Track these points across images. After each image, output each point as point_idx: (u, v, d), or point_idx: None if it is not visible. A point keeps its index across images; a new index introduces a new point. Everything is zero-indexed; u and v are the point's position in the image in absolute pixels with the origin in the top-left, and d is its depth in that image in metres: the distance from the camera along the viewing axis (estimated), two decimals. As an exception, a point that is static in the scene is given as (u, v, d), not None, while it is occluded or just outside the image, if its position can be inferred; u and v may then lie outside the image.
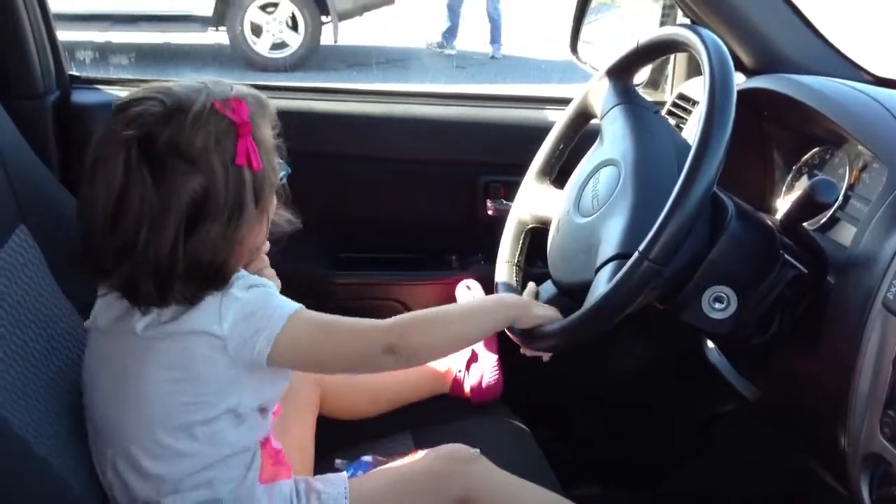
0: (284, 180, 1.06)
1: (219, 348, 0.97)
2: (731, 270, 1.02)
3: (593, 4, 1.62)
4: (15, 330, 1.00)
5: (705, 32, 1.03)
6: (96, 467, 1.04)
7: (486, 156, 1.62)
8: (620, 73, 1.22)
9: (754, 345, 1.08)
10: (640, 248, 0.94)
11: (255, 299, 0.98)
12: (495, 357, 1.42)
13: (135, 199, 0.92)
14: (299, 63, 6.12)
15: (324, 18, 6.27)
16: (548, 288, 1.18)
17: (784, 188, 1.30)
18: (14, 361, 0.98)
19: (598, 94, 1.24)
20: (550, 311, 1.10)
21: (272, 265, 1.13)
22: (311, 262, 1.61)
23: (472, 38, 6.85)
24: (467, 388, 1.41)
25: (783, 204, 1.29)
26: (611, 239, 1.04)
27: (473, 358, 1.42)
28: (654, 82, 1.67)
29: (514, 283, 1.26)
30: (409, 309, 1.60)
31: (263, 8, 6.15)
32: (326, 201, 1.56)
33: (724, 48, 1.01)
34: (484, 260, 1.64)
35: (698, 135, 0.95)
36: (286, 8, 6.17)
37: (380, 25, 6.90)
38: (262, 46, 6.17)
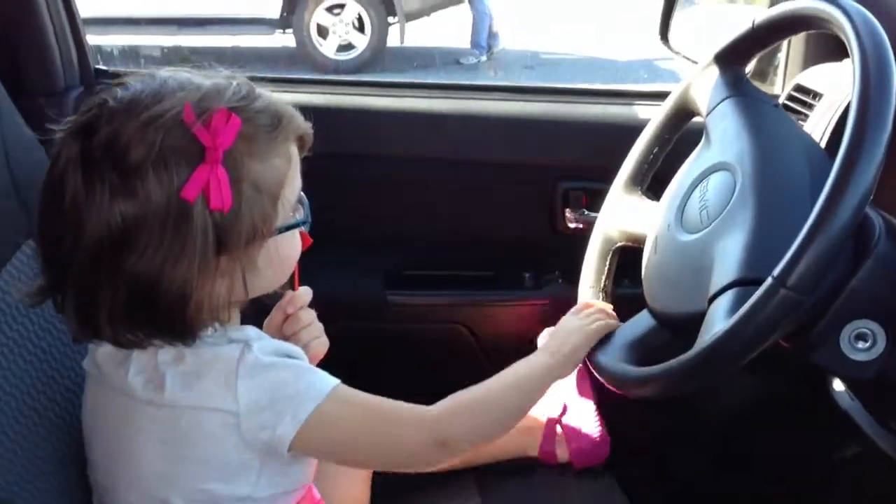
0: (302, 230, 0.86)
1: (230, 426, 0.79)
2: (880, 302, 0.83)
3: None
4: (15, 359, 0.88)
5: (850, 4, 0.82)
6: None
7: (566, 159, 1.42)
8: (732, 59, 1.02)
9: (906, 393, 0.88)
10: (776, 272, 0.74)
11: (282, 371, 0.80)
12: (592, 406, 1.20)
13: (65, 207, 0.75)
14: (365, 65, 6.04)
15: (390, 19, 6.20)
16: (643, 320, 0.98)
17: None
18: (11, 398, 0.85)
19: (703, 86, 1.04)
20: (600, 320, 1.00)
21: (306, 280, 0.96)
22: (358, 279, 1.44)
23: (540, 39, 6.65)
24: (562, 455, 1.19)
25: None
26: (729, 261, 0.85)
27: (563, 411, 1.21)
28: (762, 72, 1.44)
29: (601, 312, 1.06)
30: (474, 334, 1.44)
31: (330, 9, 6.10)
32: (376, 209, 1.39)
33: (878, 24, 0.80)
34: (562, 279, 1.45)
35: (849, 134, 0.75)
36: (353, 9, 6.12)
37: (448, 26, 6.76)
38: (328, 48, 6.13)
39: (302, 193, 0.85)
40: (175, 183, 0.73)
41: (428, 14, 6.46)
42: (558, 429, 1.19)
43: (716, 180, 0.95)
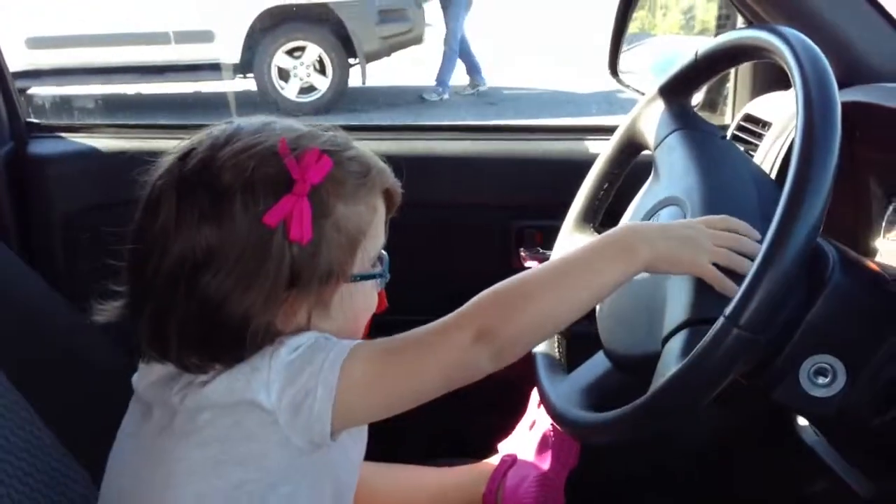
0: (379, 286, 0.86)
1: (269, 423, 0.76)
2: (837, 335, 0.80)
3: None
4: None
5: (791, 32, 0.81)
6: None
7: (518, 197, 1.40)
8: (677, 91, 1.01)
9: (869, 429, 0.85)
10: (727, 310, 0.72)
11: (302, 354, 0.77)
12: (539, 470, 1.05)
13: (156, 228, 0.77)
14: (328, 106, 6.04)
15: (351, 60, 6.23)
16: (599, 362, 0.95)
17: (884, 224, 1.06)
18: None
19: (650, 119, 1.02)
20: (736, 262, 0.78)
21: None
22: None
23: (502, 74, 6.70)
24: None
25: (884, 244, 1.05)
26: (680, 299, 0.82)
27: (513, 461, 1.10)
28: (712, 103, 1.44)
29: (556, 354, 1.03)
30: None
31: (290, 53, 6.10)
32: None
33: (819, 51, 0.78)
34: (520, 319, 1.41)
35: (795, 165, 0.73)
36: (313, 51, 6.13)
37: (409, 65, 6.80)
38: (290, 91, 6.15)
39: (384, 252, 0.86)
40: (260, 208, 0.75)
41: (388, 54, 6.51)
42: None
43: (666, 215, 0.92)
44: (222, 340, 0.76)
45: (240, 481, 0.78)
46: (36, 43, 5.62)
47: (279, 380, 0.75)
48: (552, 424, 1.02)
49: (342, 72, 6.20)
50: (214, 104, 6.05)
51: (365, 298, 0.85)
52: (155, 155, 0.81)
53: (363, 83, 6.26)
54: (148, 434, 0.81)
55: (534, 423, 1.07)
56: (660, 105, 1.01)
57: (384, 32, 6.34)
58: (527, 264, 1.39)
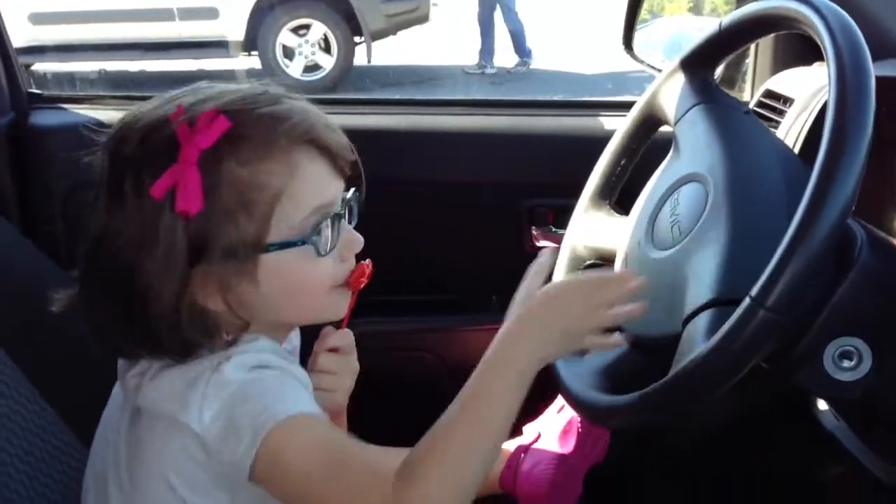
0: (325, 253, 0.75)
1: (196, 445, 0.72)
2: (864, 318, 0.77)
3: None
4: None
5: (822, 2, 0.77)
6: None
7: (530, 174, 1.36)
8: (699, 65, 0.97)
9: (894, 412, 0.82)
10: (753, 292, 0.69)
11: (250, 385, 0.71)
12: (558, 454, 1.02)
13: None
14: (332, 85, 5.98)
15: (356, 39, 6.16)
16: (616, 342, 0.92)
17: (910, 204, 1.03)
18: None
19: (670, 93, 0.99)
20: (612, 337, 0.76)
21: None
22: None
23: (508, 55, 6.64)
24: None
25: (909, 224, 1.02)
26: (703, 280, 0.79)
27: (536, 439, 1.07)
28: (731, 79, 1.40)
29: (571, 335, 1.00)
30: (444, 362, 1.37)
31: (295, 30, 6.04)
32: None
33: (852, 21, 0.75)
34: (531, 300, 1.38)
35: (827, 140, 0.70)
36: (318, 29, 6.07)
37: (414, 44, 6.74)
38: (294, 69, 6.09)
39: (342, 220, 0.77)
40: (146, 181, 0.70)
41: (394, 33, 6.45)
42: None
43: (687, 193, 0.89)
44: (149, 326, 0.72)
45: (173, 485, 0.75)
46: (39, 18, 5.57)
47: (214, 406, 0.71)
48: None
49: (347, 50, 6.14)
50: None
51: (303, 269, 0.75)
52: None
53: (368, 62, 6.20)
54: (117, 417, 0.80)
55: (562, 407, 1.05)
56: (680, 78, 0.98)
57: (390, 10, 6.28)
58: (539, 244, 1.37)
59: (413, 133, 1.37)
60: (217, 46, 6.08)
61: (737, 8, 1.12)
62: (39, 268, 1.04)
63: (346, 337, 0.88)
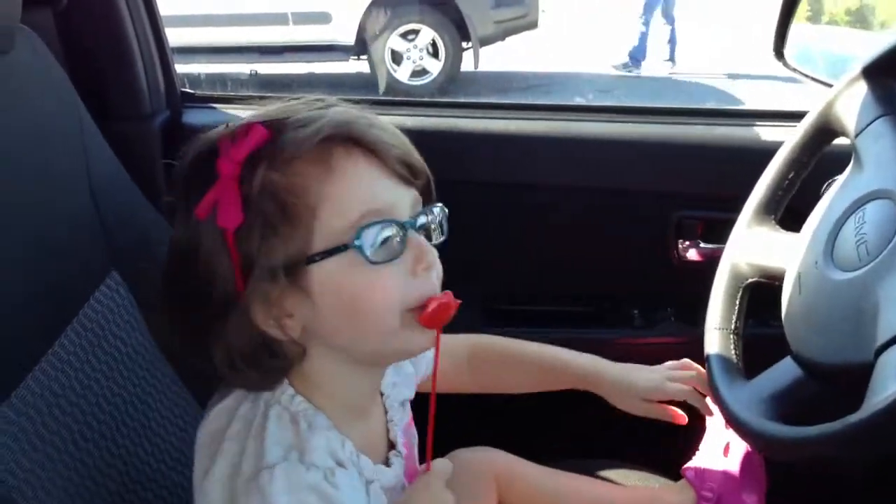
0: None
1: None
2: None
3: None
4: (109, 385, 0.84)
5: None
6: None
7: (678, 184, 1.30)
8: (884, 73, 0.90)
9: None
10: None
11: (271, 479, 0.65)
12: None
13: None
14: (439, 90, 6.01)
15: (464, 44, 6.18)
16: (788, 369, 0.86)
17: None
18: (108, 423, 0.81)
19: (849, 103, 0.92)
20: None
21: None
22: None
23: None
24: None
25: None
26: (901, 307, 0.72)
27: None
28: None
29: (734, 357, 0.94)
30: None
31: (404, 35, 6.10)
32: (470, 239, 1.28)
33: None
34: (675, 317, 1.33)
35: None
36: (427, 34, 6.11)
37: (523, 50, 6.70)
38: (402, 74, 6.15)
39: (414, 232, 0.70)
40: (192, 201, 0.68)
41: (502, 38, 6.43)
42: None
43: (874, 210, 0.82)
44: (208, 351, 0.69)
45: None
46: (166, 22, 5.78)
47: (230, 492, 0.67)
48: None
49: (455, 55, 6.15)
50: (326, 85, 6.12)
51: (358, 281, 0.67)
52: None
53: (475, 67, 6.20)
54: None
55: (728, 445, 0.98)
56: (862, 87, 0.91)
57: (499, 17, 6.27)
58: (687, 255, 1.31)
59: (557, 139, 1.33)
60: (328, 50, 6.18)
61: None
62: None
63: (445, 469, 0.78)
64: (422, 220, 0.71)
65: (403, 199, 0.70)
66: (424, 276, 0.70)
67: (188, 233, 0.68)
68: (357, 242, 0.66)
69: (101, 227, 0.90)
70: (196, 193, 0.67)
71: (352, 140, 0.68)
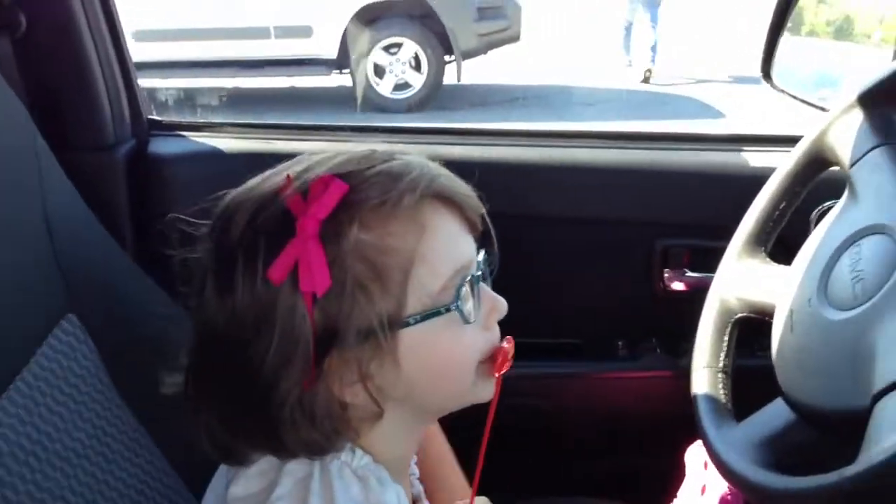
0: (469, 320, 0.66)
1: None
2: None
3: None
4: (58, 443, 0.78)
5: None
6: None
7: (663, 212, 1.26)
8: (882, 100, 0.86)
9: None
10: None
11: None
12: None
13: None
14: (421, 103, 5.98)
15: (447, 58, 6.15)
16: (779, 412, 0.82)
17: None
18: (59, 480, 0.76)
19: (844, 131, 0.89)
20: None
21: None
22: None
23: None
24: None
25: None
26: (901, 352, 0.69)
27: None
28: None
29: (722, 397, 0.90)
30: (563, 411, 1.27)
31: (387, 49, 6.07)
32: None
33: None
34: (660, 348, 1.29)
35: None
36: (409, 48, 6.09)
37: (505, 64, 6.70)
38: (384, 87, 6.11)
39: (481, 283, 0.69)
40: (260, 263, 0.61)
41: (484, 52, 6.42)
42: None
43: (871, 246, 0.79)
44: (267, 425, 0.64)
45: None
46: (143, 36, 5.72)
47: None
48: (730, 489, 0.89)
49: (438, 69, 6.13)
50: (308, 99, 6.08)
51: (449, 342, 0.66)
52: (277, 157, 0.70)
53: (458, 80, 6.18)
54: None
55: (704, 488, 0.94)
56: (858, 116, 0.87)
57: (482, 30, 6.26)
58: (673, 285, 1.27)
59: (535, 166, 1.29)
60: (309, 64, 6.15)
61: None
62: (152, 297, 1.00)
63: None
64: (484, 269, 0.71)
65: (475, 251, 0.70)
66: (494, 326, 0.71)
67: (252, 299, 0.62)
68: (457, 304, 0.65)
69: (57, 267, 0.85)
70: (263, 255, 0.62)
71: (437, 195, 0.66)
